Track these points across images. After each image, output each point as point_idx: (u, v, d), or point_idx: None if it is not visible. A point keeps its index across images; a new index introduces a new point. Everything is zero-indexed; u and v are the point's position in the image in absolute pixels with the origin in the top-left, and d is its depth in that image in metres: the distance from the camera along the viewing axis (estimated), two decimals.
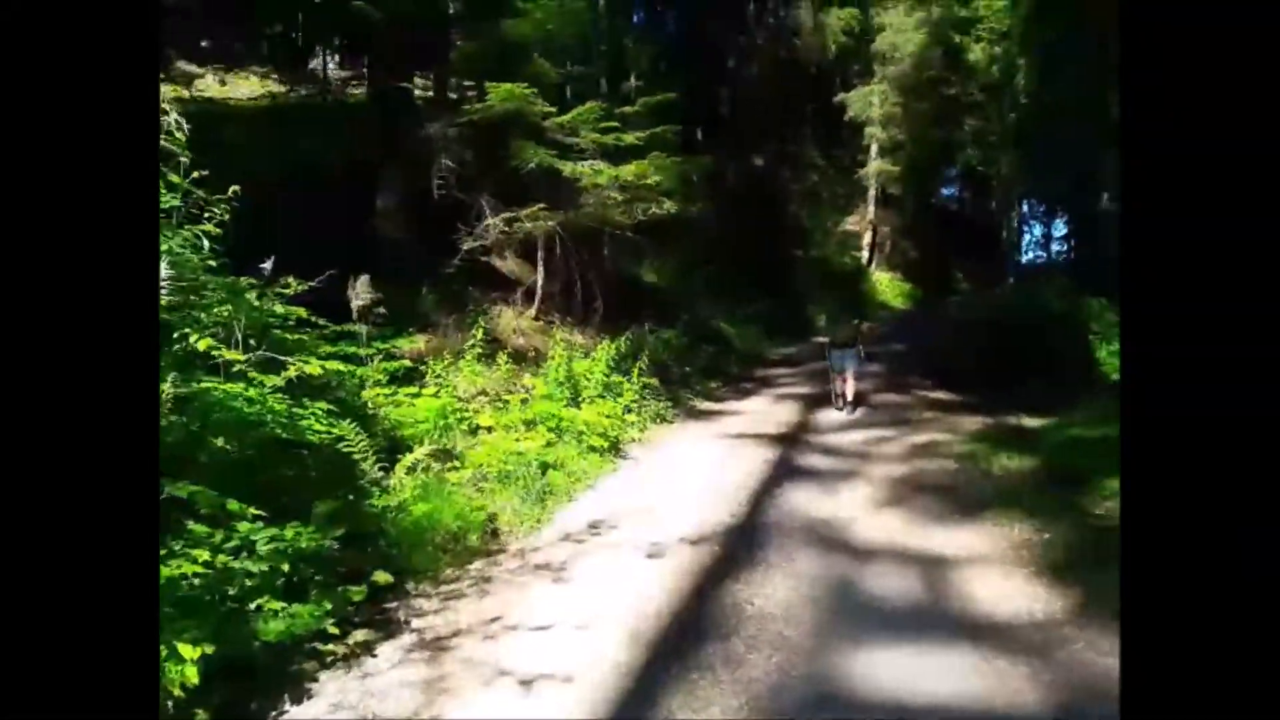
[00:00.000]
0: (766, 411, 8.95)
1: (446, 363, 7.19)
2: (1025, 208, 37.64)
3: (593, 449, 6.53)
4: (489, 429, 6.63)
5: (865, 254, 22.16)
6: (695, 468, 6.28)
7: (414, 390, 6.73)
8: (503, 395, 7.20)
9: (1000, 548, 4.10)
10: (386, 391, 6.45)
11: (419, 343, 7.93)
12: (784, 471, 6.05)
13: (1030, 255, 35.75)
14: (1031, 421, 7.33)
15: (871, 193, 21.68)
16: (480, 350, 7.39)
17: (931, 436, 7.01)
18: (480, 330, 7.38)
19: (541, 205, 7.83)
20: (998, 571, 3.78)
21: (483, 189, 8.28)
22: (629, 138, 8.14)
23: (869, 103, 20.76)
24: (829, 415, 8.46)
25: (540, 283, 9.01)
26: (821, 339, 16.51)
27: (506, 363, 7.47)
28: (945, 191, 31.86)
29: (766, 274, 16.91)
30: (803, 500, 5.20)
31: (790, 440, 7.30)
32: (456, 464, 5.25)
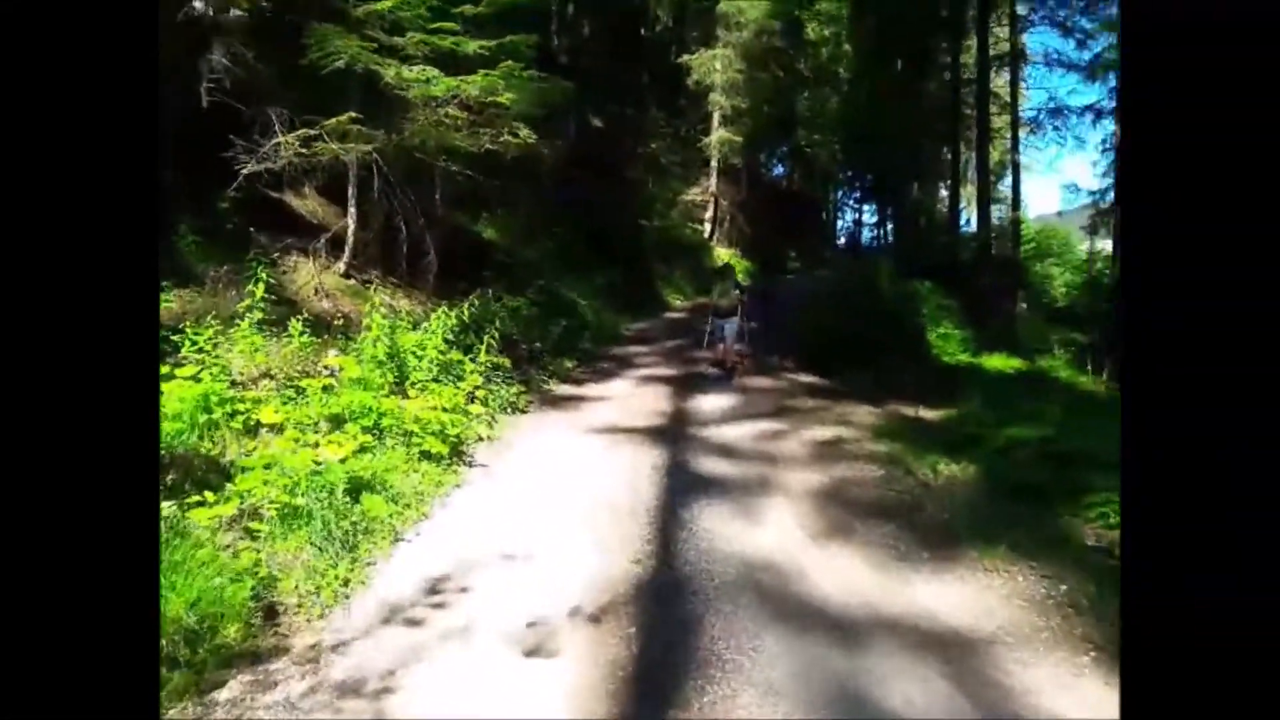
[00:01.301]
0: (634, 397, 7.67)
1: (213, 331, 5.04)
2: (838, 193, 40.06)
3: (427, 455, 4.82)
4: (275, 428, 4.69)
5: (707, 227, 21.65)
6: (568, 479, 4.82)
7: (165, 370, 4.64)
8: (297, 379, 5.22)
9: (1018, 609, 3.08)
10: None
11: (172, 302, 5.63)
12: (681, 482, 4.78)
13: (842, 240, 38.07)
14: (928, 413, 6.72)
15: (714, 163, 21.09)
16: (264, 315, 5.31)
17: (831, 431, 6.12)
18: (262, 286, 5.27)
19: (351, 115, 5.74)
20: (1049, 657, 2.72)
21: (269, 97, 6.03)
22: (470, 45, 6.22)
23: (712, 68, 20.00)
24: (703, 401, 7.37)
25: (352, 228, 6.91)
26: (674, 315, 15.84)
27: (303, 333, 5.46)
28: (776, 170, 32.57)
29: (613, 243, 15.62)
30: (720, 528, 3.95)
31: (673, 436, 6.06)
32: (206, 496, 3.31)
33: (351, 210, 6.87)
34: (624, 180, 18.81)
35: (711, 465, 5.21)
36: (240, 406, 4.67)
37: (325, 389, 5.03)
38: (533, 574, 3.39)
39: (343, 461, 4.18)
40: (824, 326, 12.04)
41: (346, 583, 3.22)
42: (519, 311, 8.45)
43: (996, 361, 13.86)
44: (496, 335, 6.69)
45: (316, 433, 4.70)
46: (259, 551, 3.19)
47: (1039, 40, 21.25)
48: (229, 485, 3.42)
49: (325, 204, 7.74)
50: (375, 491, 4.05)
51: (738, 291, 8.78)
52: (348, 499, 3.77)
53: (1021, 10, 21.22)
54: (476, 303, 7.51)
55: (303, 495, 3.52)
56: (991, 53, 20.73)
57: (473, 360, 6.33)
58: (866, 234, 38.92)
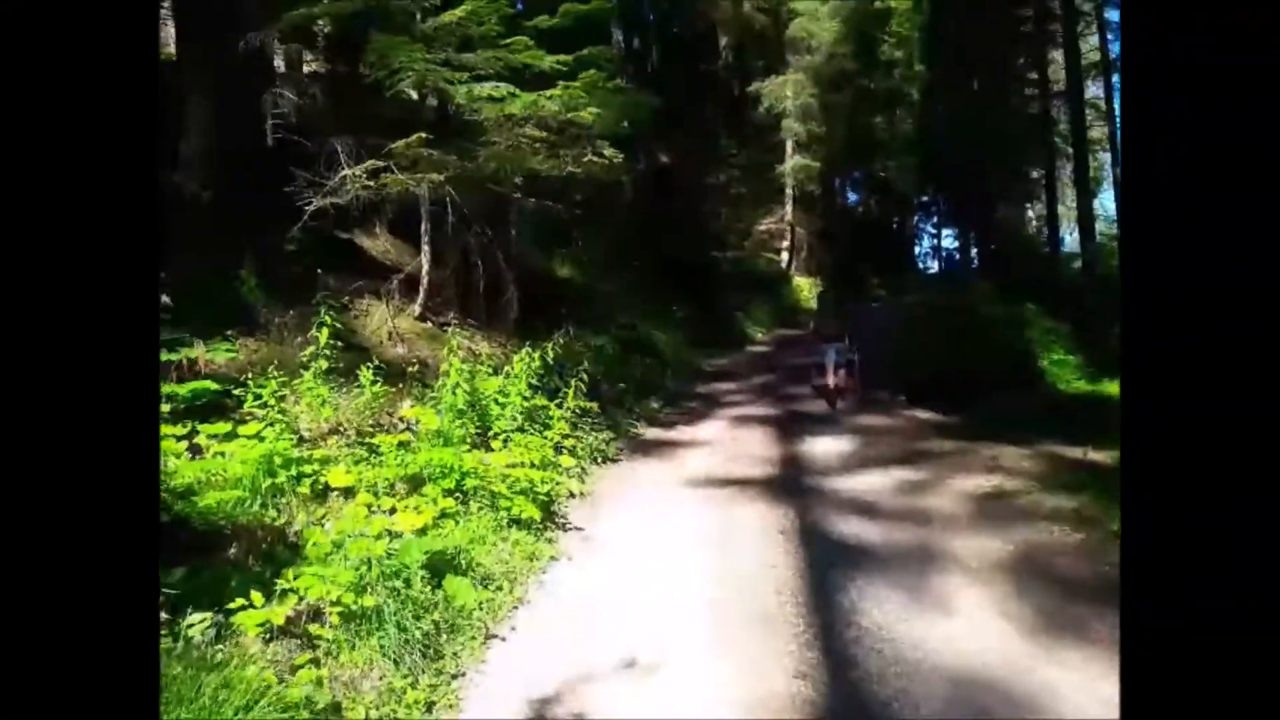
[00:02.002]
0: (732, 440, 6.81)
1: (277, 383, 4.49)
2: (916, 218, 38.41)
3: (516, 521, 4.09)
4: (346, 492, 4.08)
5: (785, 257, 20.74)
6: (681, 549, 3.99)
7: (225, 428, 4.14)
8: (369, 434, 4.62)
9: None
10: (177, 432, 3.85)
11: (236, 352, 5.16)
12: (822, 553, 3.88)
13: (923, 265, 36.33)
14: (1099, 455, 5.61)
15: (789, 192, 20.26)
16: (330, 363, 4.76)
17: (986, 481, 5.09)
18: (326, 331, 4.71)
19: (421, 135, 5.19)
20: None
21: (334, 128, 5.61)
22: (547, 60, 5.65)
23: (784, 94, 19.31)
24: (814, 445, 6.45)
25: (426, 267, 6.40)
26: (756, 349, 14.93)
27: (374, 382, 4.88)
28: (851, 197, 31.37)
29: (688, 276, 14.92)
30: (896, 623, 3.03)
31: (792, 488, 5.17)
32: (254, 599, 2.61)
33: (425, 248, 6.38)
34: (697, 212, 18.21)
35: (852, 529, 4.29)
36: (307, 469, 4.07)
37: (401, 445, 4.40)
38: (664, 690, 2.56)
39: (421, 533, 3.50)
40: (930, 355, 11.04)
41: (430, 707, 2.47)
42: (602, 350, 7.77)
43: (1115, 388, 12.31)
44: (585, 377, 5.97)
45: (392, 496, 4.06)
46: (320, 667, 2.48)
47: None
48: (279, 580, 2.73)
49: (397, 242, 7.31)
50: (460, 572, 3.32)
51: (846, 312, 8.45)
52: (427, 586, 3.05)
53: (1114, 16, 19.81)
54: (561, 343, 6.85)
55: (373, 589, 2.81)
56: (1084, 62, 19.32)
57: (559, 405, 5.63)
58: (949, 258, 37.19)
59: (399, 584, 2.92)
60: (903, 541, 4.01)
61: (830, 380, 8.07)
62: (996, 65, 23.95)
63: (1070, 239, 23.22)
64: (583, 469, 5.47)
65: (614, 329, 8.46)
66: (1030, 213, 32.16)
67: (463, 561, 3.42)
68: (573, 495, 4.95)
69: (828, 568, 3.66)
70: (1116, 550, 3.73)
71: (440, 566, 3.28)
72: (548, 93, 5.45)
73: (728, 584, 3.49)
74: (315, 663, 2.50)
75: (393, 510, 3.83)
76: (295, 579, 2.74)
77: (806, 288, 20.31)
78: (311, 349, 4.70)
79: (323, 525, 3.71)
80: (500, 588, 3.38)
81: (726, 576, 3.57)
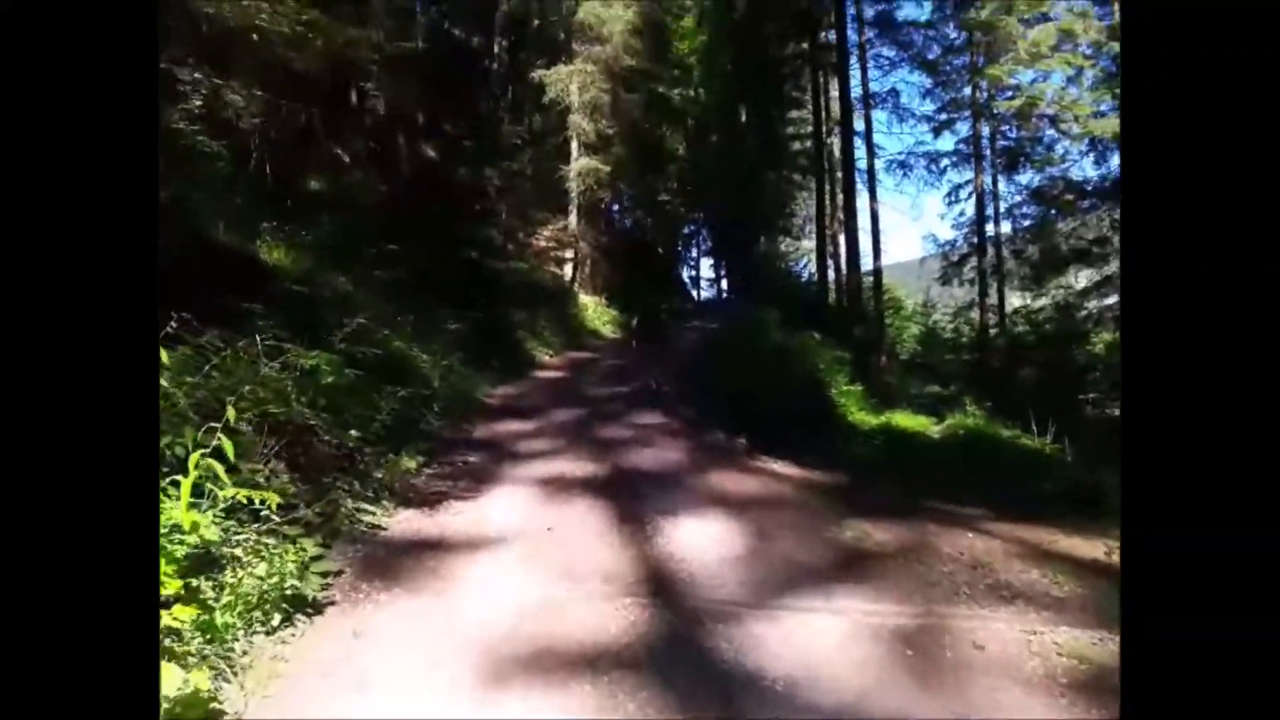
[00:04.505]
0: (545, 535, 4.05)
1: None
2: (680, 247, 38.84)
3: None
4: None
5: (569, 271, 18.37)
6: None
7: None
8: None
9: None
10: None
11: None
12: None
13: (696, 293, 36.62)
14: (1091, 548, 3.80)
15: (574, 199, 17.98)
16: None
17: (1016, 626, 2.96)
18: None
19: None
20: None
21: None
22: None
23: (570, 85, 17.07)
24: (675, 536, 3.99)
25: None
26: (547, 374, 12.13)
27: None
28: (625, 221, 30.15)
29: (459, 286, 11.80)
30: None
31: (673, 669, 2.57)
32: None
33: None
34: (471, 212, 15.10)
35: None
36: None
37: None
38: None
39: None
40: (736, 384, 9.71)
41: None
42: (319, 376, 4.50)
43: (904, 420, 11.67)
44: (249, 423, 2.82)
45: None
46: None
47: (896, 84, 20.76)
48: None
49: None
50: None
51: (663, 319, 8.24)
52: None
53: (889, 52, 20.82)
54: (223, 364, 3.55)
55: None
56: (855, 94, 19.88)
57: (190, 503, 2.44)
58: (710, 289, 37.98)
59: None
60: None
61: None
62: (769, 96, 24.41)
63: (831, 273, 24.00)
64: (226, 660, 2.32)
65: (341, 340, 5.17)
66: (786, 245, 33.96)
67: None
68: None
69: None
70: None
71: None
72: None
73: None
74: None
75: None
76: None
77: (592, 306, 18.14)
78: None
79: None
80: None
81: None
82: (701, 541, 3.95)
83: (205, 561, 2.48)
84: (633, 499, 4.70)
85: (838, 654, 2.71)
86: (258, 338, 4.20)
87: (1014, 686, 2.51)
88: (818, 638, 2.85)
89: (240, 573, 2.58)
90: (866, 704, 2.37)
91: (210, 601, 2.47)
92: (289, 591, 2.83)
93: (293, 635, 2.69)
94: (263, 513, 2.93)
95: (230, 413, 2.65)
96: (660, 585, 3.39)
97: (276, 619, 2.69)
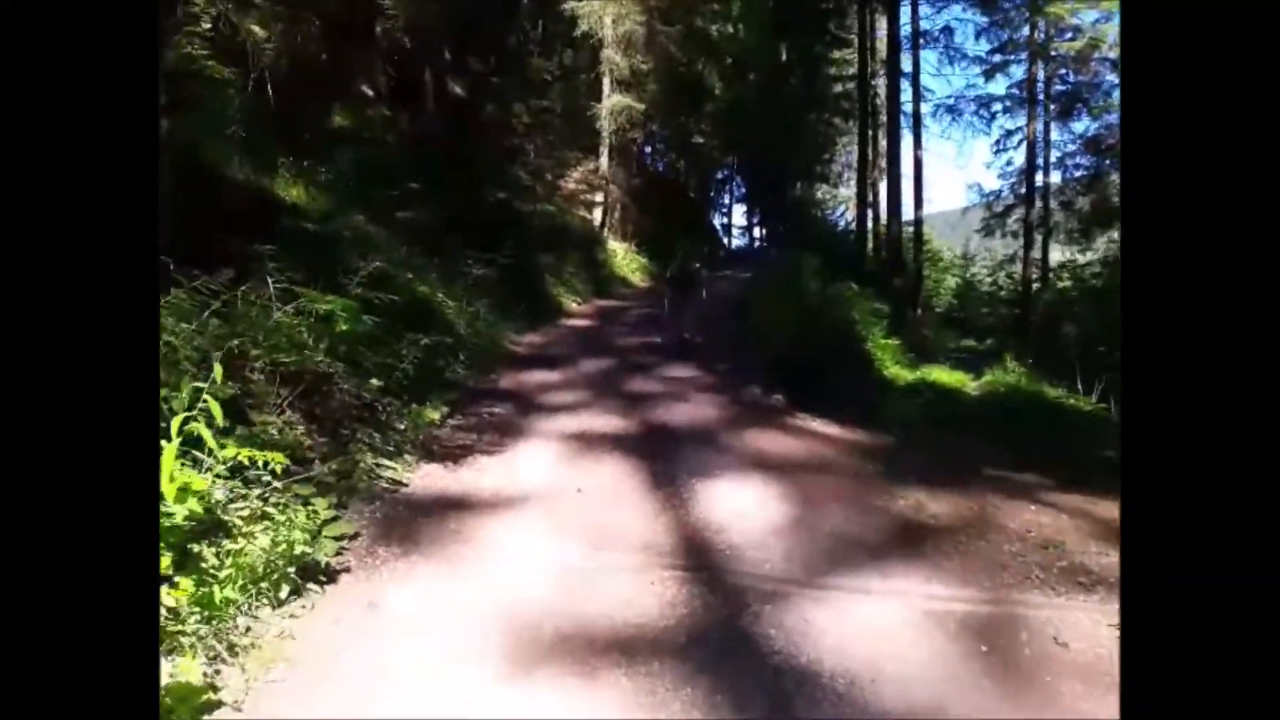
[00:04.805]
0: (573, 494, 3.80)
1: None
2: (714, 193, 37.69)
3: None
4: None
5: (598, 216, 17.85)
6: None
7: None
8: None
9: None
10: None
11: None
12: None
13: (729, 241, 35.70)
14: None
15: (606, 138, 17.30)
16: None
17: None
18: None
19: None
20: None
21: None
22: None
23: (601, 20, 16.17)
24: (714, 501, 3.70)
25: None
26: (575, 322, 11.81)
27: None
28: (658, 164, 29.18)
29: (485, 229, 11.41)
30: None
31: (726, 663, 2.30)
32: None
33: None
34: (498, 154, 14.56)
35: None
36: None
37: None
38: None
39: None
40: (771, 336, 9.37)
41: None
42: (334, 323, 4.23)
43: (941, 375, 11.17)
44: (259, 374, 2.56)
45: None
46: None
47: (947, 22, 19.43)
48: None
49: None
50: None
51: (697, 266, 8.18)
52: None
53: None
54: (226, 309, 3.28)
55: None
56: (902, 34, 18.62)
57: (196, 464, 2.20)
58: (742, 236, 37.00)
59: None
60: None
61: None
62: (812, 34, 23.05)
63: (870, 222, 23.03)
64: (229, 646, 2.10)
65: (357, 284, 4.87)
66: (821, 192, 32.76)
67: None
68: None
69: None
70: None
71: None
72: None
73: None
74: None
75: None
76: None
77: (621, 252, 17.67)
78: None
79: None
80: None
81: None
82: (741, 508, 3.66)
83: (200, 532, 2.23)
84: (666, 459, 4.41)
85: (903, 647, 2.41)
86: (269, 280, 3.91)
87: (1107, 694, 2.20)
88: (877, 624, 2.56)
89: (242, 541, 2.34)
90: (942, 711, 2.08)
91: (212, 571, 2.24)
92: (300, 558, 2.60)
93: (302, 609, 2.46)
94: (263, 477, 2.67)
95: (217, 370, 2.36)
96: (699, 557, 3.12)
97: (284, 590, 2.46)
